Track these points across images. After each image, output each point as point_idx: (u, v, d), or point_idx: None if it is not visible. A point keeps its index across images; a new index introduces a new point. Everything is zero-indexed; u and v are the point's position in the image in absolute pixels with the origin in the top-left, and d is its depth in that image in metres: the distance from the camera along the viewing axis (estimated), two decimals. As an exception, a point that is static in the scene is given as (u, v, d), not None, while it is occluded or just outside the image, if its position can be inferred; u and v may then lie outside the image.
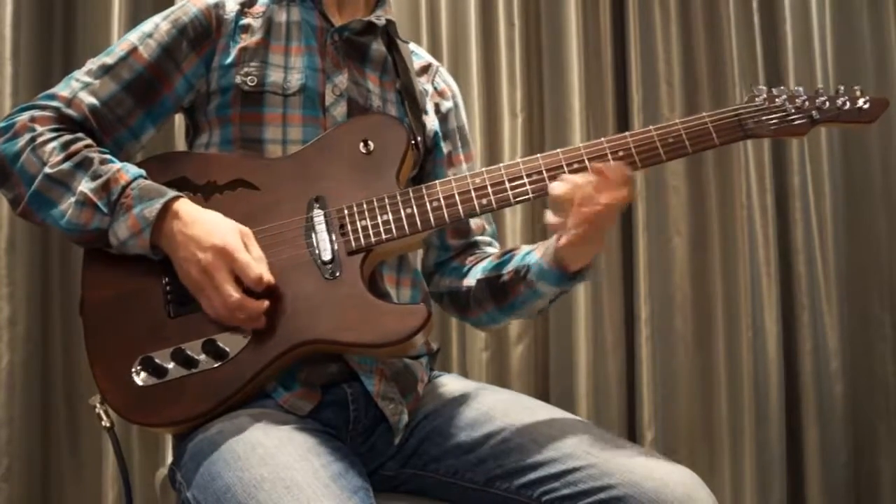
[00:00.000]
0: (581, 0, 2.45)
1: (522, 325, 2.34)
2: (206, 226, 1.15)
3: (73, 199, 1.16)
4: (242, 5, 1.31)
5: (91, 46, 2.10)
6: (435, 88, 1.49)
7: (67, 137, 1.21)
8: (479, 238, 1.48)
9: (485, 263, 1.40)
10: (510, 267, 1.34)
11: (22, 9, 2.06)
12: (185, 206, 1.17)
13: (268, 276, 1.14)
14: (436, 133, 1.44)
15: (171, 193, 1.17)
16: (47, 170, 1.17)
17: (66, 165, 1.17)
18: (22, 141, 1.19)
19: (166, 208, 1.15)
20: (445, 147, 1.47)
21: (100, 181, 1.16)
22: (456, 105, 1.52)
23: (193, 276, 1.14)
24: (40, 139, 1.19)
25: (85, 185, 1.16)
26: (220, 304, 1.13)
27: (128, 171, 1.18)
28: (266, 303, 1.14)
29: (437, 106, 1.47)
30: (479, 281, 1.38)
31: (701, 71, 2.56)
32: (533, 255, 1.31)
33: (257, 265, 1.14)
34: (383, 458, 1.27)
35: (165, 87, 1.28)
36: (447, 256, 1.47)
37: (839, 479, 2.53)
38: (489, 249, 1.48)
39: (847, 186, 2.67)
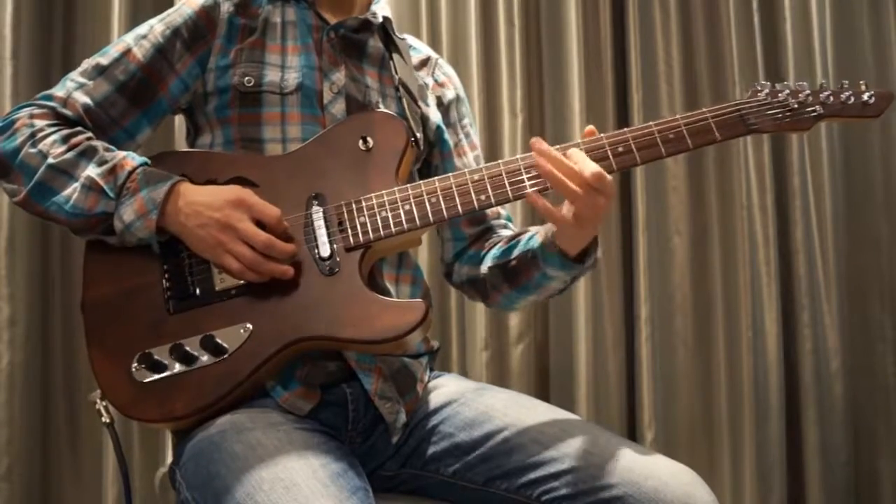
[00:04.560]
0: (581, 0, 2.45)
1: (522, 324, 2.34)
2: (210, 193, 1.18)
3: (78, 185, 1.17)
4: (237, 6, 1.31)
5: (91, 46, 2.10)
6: (436, 80, 1.49)
7: (67, 131, 1.22)
8: (495, 222, 1.48)
9: (494, 250, 1.41)
10: (517, 252, 1.34)
11: (22, 9, 2.06)
12: (188, 186, 1.19)
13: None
14: (438, 126, 1.44)
15: (176, 177, 1.19)
16: (50, 160, 1.18)
17: (69, 155, 1.19)
18: (21, 137, 1.20)
19: (171, 190, 1.17)
20: (451, 138, 1.47)
21: (106, 166, 1.18)
22: (458, 97, 1.52)
23: (215, 237, 1.15)
24: (40, 134, 1.21)
25: (91, 171, 1.18)
26: (248, 253, 1.14)
27: (133, 158, 1.21)
28: (293, 245, 1.16)
29: (438, 98, 1.48)
30: (490, 268, 1.39)
31: (701, 71, 2.56)
32: (535, 239, 1.32)
33: (273, 206, 1.17)
34: (383, 458, 1.27)
35: (160, 88, 1.28)
36: (464, 245, 1.47)
37: (839, 479, 2.53)
38: (504, 232, 1.47)
39: (847, 186, 2.67)
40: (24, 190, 1.20)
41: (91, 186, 1.17)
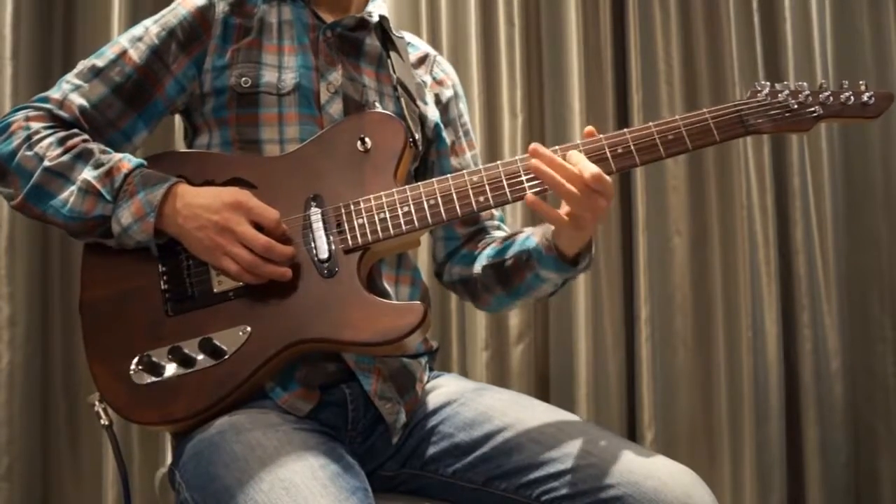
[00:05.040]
0: (581, 0, 2.45)
1: (522, 324, 2.34)
2: (209, 195, 1.18)
3: (74, 188, 1.17)
4: (232, 6, 1.31)
5: (91, 46, 2.08)
6: (434, 78, 1.49)
7: (63, 133, 1.22)
8: (488, 223, 1.48)
9: (488, 249, 1.40)
10: (511, 252, 1.34)
11: (22, 9, 2.06)
12: (186, 188, 1.19)
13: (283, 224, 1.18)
14: (437, 124, 1.44)
15: (173, 179, 1.19)
16: (46, 163, 1.18)
17: (65, 158, 1.19)
18: (17, 139, 1.20)
19: (169, 192, 1.17)
20: (448, 137, 1.47)
21: (102, 169, 1.18)
22: (456, 94, 1.52)
23: (213, 240, 1.15)
24: (36, 136, 1.20)
25: (87, 174, 1.18)
26: (247, 256, 1.14)
27: (129, 160, 1.20)
28: (292, 248, 1.16)
29: (437, 97, 1.47)
30: (484, 268, 1.38)
31: (701, 71, 2.56)
32: (531, 239, 1.31)
33: (272, 208, 1.17)
34: (382, 458, 1.27)
35: (157, 89, 1.28)
36: (456, 245, 1.47)
37: (839, 479, 2.53)
38: (497, 233, 1.47)
39: (847, 186, 2.67)
40: (21, 193, 1.19)
41: (88, 190, 1.17)
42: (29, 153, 1.19)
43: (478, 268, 1.40)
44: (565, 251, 1.25)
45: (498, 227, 1.49)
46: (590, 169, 1.14)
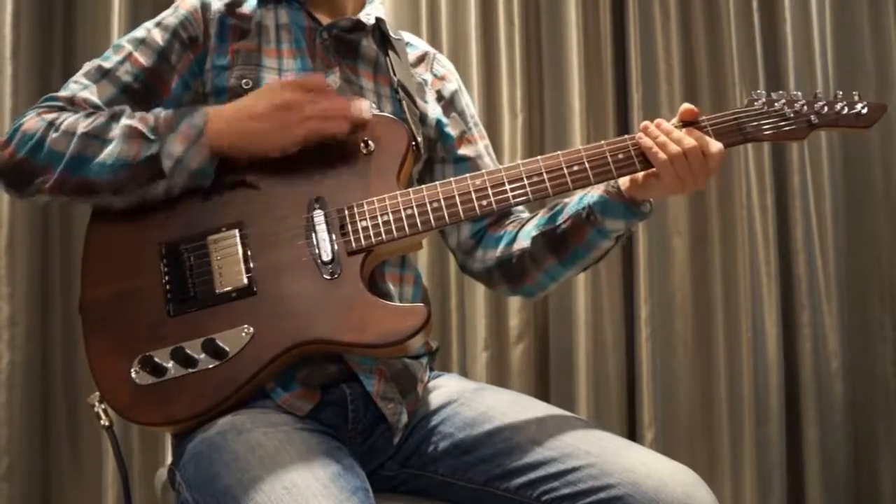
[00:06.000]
0: (581, 0, 2.45)
1: (522, 324, 2.34)
2: (244, 100, 1.22)
3: (117, 137, 1.17)
4: (228, 6, 1.31)
5: (91, 46, 2.11)
6: (435, 75, 1.48)
7: (86, 111, 1.22)
8: None
9: (535, 222, 1.37)
10: (566, 214, 1.31)
11: (22, 9, 2.06)
12: (217, 108, 1.22)
13: None
14: (438, 120, 1.44)
15: (202, 106, 1.21)
16: (81, 130, 1.18)
17: (99, 121, 1.19)
18: (38, 132, 1.19)
19: (206, 113, 1.19)
20: (455, 129, 1.46)
21: (137, 115, 1.19)
22: (459, 87, 1.51)
23: (281, 118, 1.18)
24: (59, 120, 1.20)
25: (126, 121, 1.18)
26: (324, 104, 1.19)
27: (154, 108, 1.22)
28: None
29: (438, 93, 1.47)
30: (534, 238, 1.34)
31: (701, 71, 2.56)
32: (591, 195, 1.29)
33: (313, 74, 1.23)
34: (383, 458, 1.28)
35: (164, 90, 1.28)
36: (480, 227, 1.44)
37: (839, 479, 2.53)
38: (524, 214, 1.45)
39: (847, 186, 2.67)
40: (55, 172, 1.17)
41: (130, 134, 1.17)
42: (56, 134, 1.18)
43: (525, 242, 1.36)
44: (636, 197, 1.25)
45: (522, 210, 1.45)
46: (711, 145, 1.21)
